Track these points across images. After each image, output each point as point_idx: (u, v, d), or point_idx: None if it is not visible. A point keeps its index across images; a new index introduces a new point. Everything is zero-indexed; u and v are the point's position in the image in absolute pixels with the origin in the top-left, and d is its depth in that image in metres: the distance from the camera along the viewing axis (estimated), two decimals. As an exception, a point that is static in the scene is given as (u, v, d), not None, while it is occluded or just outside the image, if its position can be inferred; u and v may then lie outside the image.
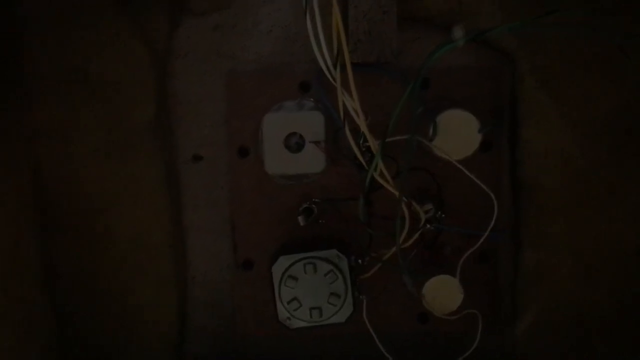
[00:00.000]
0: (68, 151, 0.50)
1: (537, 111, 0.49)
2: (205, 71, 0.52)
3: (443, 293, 0.50)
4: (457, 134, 0.47)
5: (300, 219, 0.51)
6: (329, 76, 0.41)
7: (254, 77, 0.52)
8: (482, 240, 0.50)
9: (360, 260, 0.52)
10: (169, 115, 0.52)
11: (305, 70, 0.51)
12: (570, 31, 0.44)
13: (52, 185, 0.51)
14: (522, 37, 0.48)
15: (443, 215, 0.52)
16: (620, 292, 0.52)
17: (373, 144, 0.43)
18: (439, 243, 0.53)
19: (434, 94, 0.51)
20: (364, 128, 0.42)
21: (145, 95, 0.50)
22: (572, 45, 0.48)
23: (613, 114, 0.48)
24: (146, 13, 0.49)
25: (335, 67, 0.40)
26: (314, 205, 0.52)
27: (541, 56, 0.48)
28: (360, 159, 0.45)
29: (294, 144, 0.51)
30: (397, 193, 0.44)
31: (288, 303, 0.50)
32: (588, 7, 0.44)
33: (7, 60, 0.48)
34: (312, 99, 0.51)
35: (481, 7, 0.47)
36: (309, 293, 0.50)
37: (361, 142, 0.46)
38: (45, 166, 0.50)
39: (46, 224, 0.51)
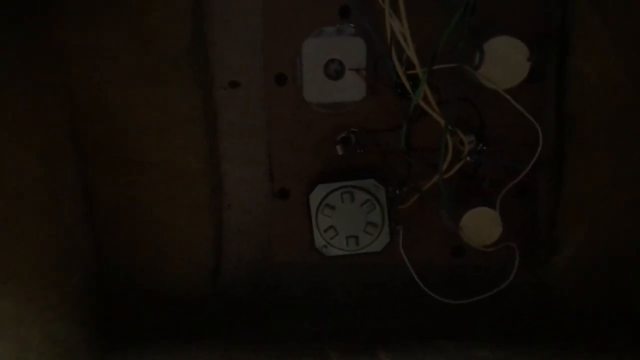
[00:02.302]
0: (103, 76, 0.49)
1: (587, 39, 0.46)
2: (243, -5, 0.50)
3: (481, 225, 0.50)
4: (505, 62, 0.45)
5: (339, 148, 0.51)
6: None
7: (292, 2, 0.50)
8: (522, 174, 0.49)
9: (398, 191, 0.51)
10: (205, 40, 0.51)
11: None
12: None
13: (88, 111, 0.50)
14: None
15: (485, 148, 0.50)
16: None
17: (420, 69, 0.41)
18: (479, 175, 0.52)
19: (481, 19, 0.48)
20: (411, 54, 0.40)
21: (181, 18, 0.49)
22: None
23: None
24: None
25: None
26: (352, 135, 0.52)
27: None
28: (406, 84, 0.43)
29: (334, 71, 0.49)
30: (442, 121, 0.43)
31: (325, 231, 0.50)
32: None
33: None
34: (352, 25, 0.50)
35: None
36: (346, 222, 0.50)
37: (404, 69, 0.45)
38: (81, 91, 0.50)
39: (82, 150, 0.51)
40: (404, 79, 0.43)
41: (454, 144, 0.49)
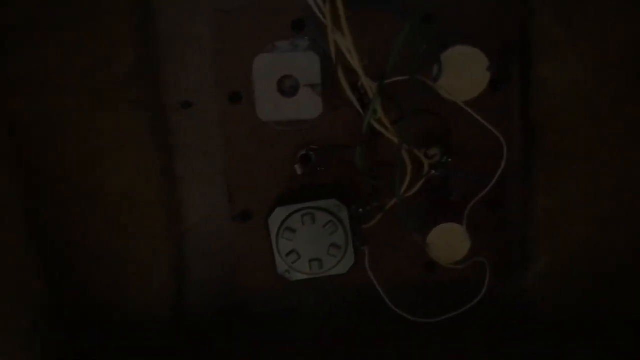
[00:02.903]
0: (46, 103, 0.47)
1: (551, 46, 0.45)
2: (189, 10, 0.48)
3: (449, 242, 0.48)
4: (463, 73, 0.43)
5: (298, 167, 0.49)
6: (317, 13, 0.37)
7: (242, 16, 0.48)
8: (490, 186, 0.47)
9: (361, 210, 0.49)
10: (152, 60, 0.48)
11: (298, 7, 0.47)
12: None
13: (32, 141, 0.48)
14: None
15: (450, 160, 0.48)
16: (638, 237, 0.49)
17: (369, 87, 0.39)
18: (446, 189, 0.50)
19: (438, 29, 0.46)
20: (358, 69, 0.38)
21: (126, 39, 0.46)
22: None
23: (632, 47, 0.44)
24: None
25: (324, 1, 0.36)
26: (312, 153, 0.49)
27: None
28: (357, 105, 0.41)
29: (289, 87, 0.47)
30: (396, 141, 0.41)
31: (286, 255, 0.48)
32: None
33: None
34: (307, 38, 0.47)
35: None
36: (308, 245, 0.48)
37: (360, 84, 0.43)
38: (23, 120, 0.47)
39: (29, 183, 0.48)
40: (353, 99, 0.41)
41: (418, 157, 0.47)
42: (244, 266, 0.52)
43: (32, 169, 0.48)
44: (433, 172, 0.48)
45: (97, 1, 0.45)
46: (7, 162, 0.47)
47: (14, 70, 0.46)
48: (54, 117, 0.47)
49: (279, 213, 0.48)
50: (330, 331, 0.54)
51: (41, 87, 0.46)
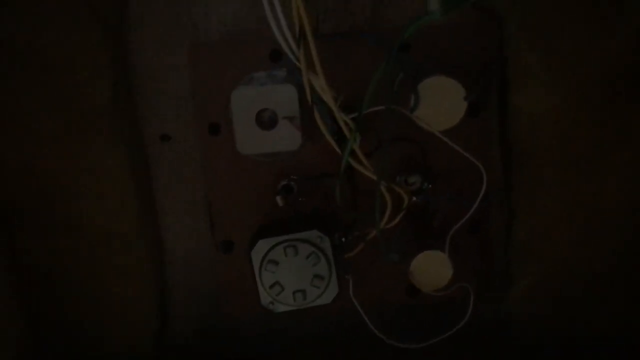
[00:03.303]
0: (24, 139, 0.46)
1: (526, 73, 0.45)
2: (165, 43, 0.48)
3: (431, 269, 0.48)
4: (440, 103, 0.43)
5: (279, 198, 0.48)
6: (290, 54, 0.37)
7: (218, 47, 0.47)
8: (472, 210, 0.47)
9: (344, 239, 0.49)
10: (129, 93, 0.48)
11: (275, 38, 0.47)
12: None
13: (11, 177, 0.47)
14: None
15: (430, 186, 0.49)
16: (617, 253, 0.50)
17: (345, 126, 0.39)
18: (428, 215, 0.50)
19: (415, 57, 0.46)
20: (332, 107, 0.38)
21: (101, 72, 0.46)
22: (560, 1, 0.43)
23: (604, 72, 0.44)
24: None
25: (298, 43, 0.36)
26: (292, 183, 0.49)
27: (529, 14, 0.44)
28: (333, 144, 0.41)
29: (267, 119, 0.47)
30: (374, 177, 0.41)
31: (270, 288, 0.48)
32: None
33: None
34: (284, 69, 0.47)
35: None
36: (291, 276, 0.48)
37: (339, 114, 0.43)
38: (1, 157, 0.47)
39: (7, 220, 0.48)
40: (330, 139, 0.41)
41: (399, 187, 0.47)
42: (227, 296, 0.52)
43: (11, 203, 0.48)
44: (414, 199, 0.48)
45: (72, 35, 0.45)
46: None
47: None
48: (32, 151, 0.47)
49: (262, 245, 0.47)
50: (316, 358, 0.54)
51: (19, 121, 0.46)
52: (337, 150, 0.41)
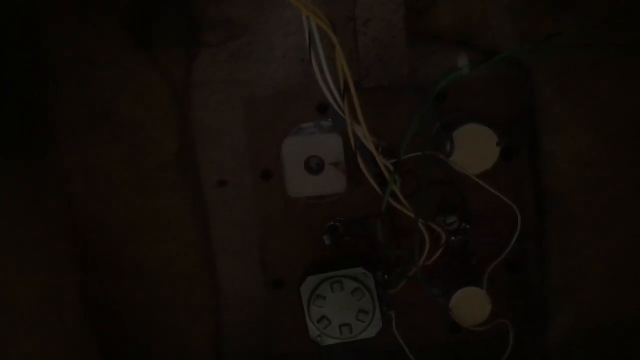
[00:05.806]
0: (98, 189, 0.52)
1: (555, 120, 0.48)
2: (224, 100, 0.53)
3: (471, 305, 0.51)
4: (475, 148, 0.47)
5: (326, 238, 0.52)
6: (336, 108, 0.41)
7: (271, 102, 0.53)
8: (508, 250, 0.50)
9: (387, 276, 0.52)
10: (192, 146, 0.53)
11: (322, 92, 0.52)
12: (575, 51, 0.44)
13: (86, 223, 0.53)
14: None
15: (468, 226, 0.52)
16: None
17: (385, 170, 0.43)
18: (466, 254, 0.53)
19: (451, 107, 0.51)
20: (374, 153, 0.42)
21: (168, 129, 0.52)
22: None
23: (630, 116, 0.47)
24: (164, 48, 0.51)
25: (343, 96, 0.40)
26: (338, 224, 0.53)
27: (556, 65, 0.47)
28: (375, 186, 0.45)
29: (315, 165, 0.51)
30: (412, 216, 0.44)
31: (318, 322, 0.51)
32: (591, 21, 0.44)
33: (33, 103, 0.50)
34: (330, 120, 0.52)
35: (490, 21, 0.47)
36: (337, 311, 0.51)
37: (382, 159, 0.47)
38: (79, 205, 0.52)
39: (83, 260, 0.53)
40: (372, 182, 0.45)
41: (438, 225, 0.50)
42: (279, 332, 0.56)
43: (86, 247, 0.53)
44: (453, 238, 0.51)
45: (145, 98, 0.51)
46: (65, 242, 0.52)
47: (69, 158, 0.51)
48: (106, 201, 0.52)
49: (310, 282, 0.51)
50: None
51: (97, 173, 0.52)
52: (379, 192, 0.45)
